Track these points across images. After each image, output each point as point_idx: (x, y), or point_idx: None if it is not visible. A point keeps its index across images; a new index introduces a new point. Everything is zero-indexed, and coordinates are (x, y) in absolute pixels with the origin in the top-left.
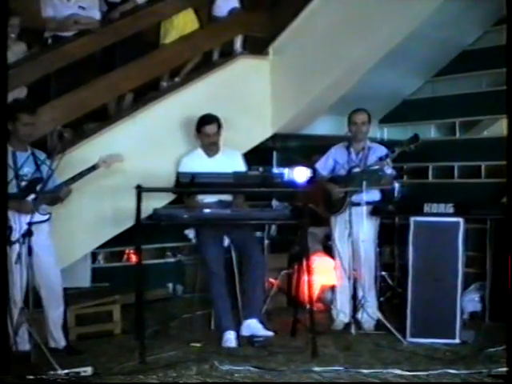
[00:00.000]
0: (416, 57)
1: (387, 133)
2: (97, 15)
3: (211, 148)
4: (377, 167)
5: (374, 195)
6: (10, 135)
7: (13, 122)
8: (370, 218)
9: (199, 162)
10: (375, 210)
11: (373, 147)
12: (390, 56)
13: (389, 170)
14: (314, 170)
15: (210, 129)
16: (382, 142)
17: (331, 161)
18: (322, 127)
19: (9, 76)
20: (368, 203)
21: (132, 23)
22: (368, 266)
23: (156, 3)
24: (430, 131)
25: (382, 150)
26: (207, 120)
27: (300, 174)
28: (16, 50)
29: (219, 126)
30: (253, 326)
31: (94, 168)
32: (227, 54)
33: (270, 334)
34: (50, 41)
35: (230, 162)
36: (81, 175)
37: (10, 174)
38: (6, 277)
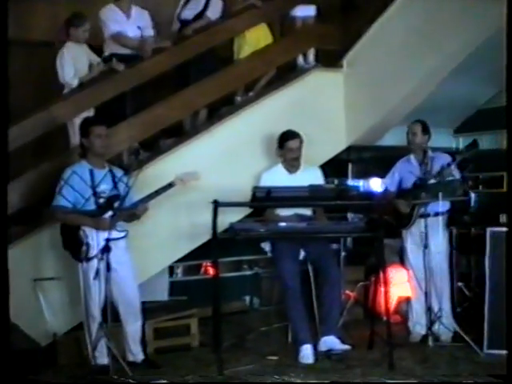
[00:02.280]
0: (490, 65)
1: (462, 142)
2: (151, 33)
3: (293, 164)
4: (452, 178)
5: (444, 206)
6: (87, 152)
7: (87, 137)
8: (443, 228)
9: (280, 178)
10: (450, 220)
11: (436, 156)
12: (464, 65)
13: (456, 175)
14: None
15: (293, 144)
16: (448, 151)
17: (397, 175)
18: (396, 138)
19: (86, 94)
20: (437, 214)
21: (205, 40)
22: (443, 277)
23: (229, 19)
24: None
25: (446, 159)
26: (290, 135)
27: (375, 185)
28: (77, 53)
29: (301, 142)
30: (330, 342)
31: (170, 186)
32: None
33: (347, 347)
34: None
35: (310, 179)
36: (157, 193)
37: (88, 191)
38: (7, 277)
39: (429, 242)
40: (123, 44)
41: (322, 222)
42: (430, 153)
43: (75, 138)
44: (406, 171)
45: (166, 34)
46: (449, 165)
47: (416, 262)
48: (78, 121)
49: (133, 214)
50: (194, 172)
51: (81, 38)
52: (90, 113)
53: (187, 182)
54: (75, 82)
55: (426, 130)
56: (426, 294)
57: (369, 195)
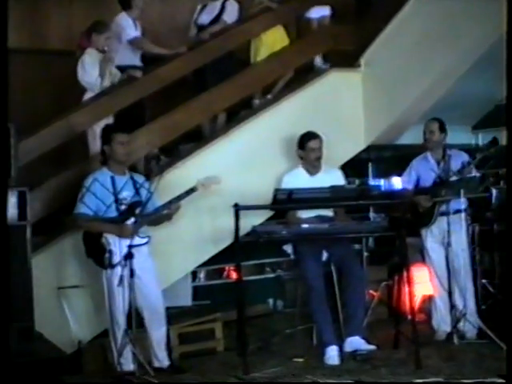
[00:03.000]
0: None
1: (481, 139)
2: None
3: (315, 164)
4: (474, 175)
5: (464, 203)
6: (108, 159)
7: (109, 144)
8: (465, 225)
9: (301, 181)
10: (473, 217)
11: (453, 154)
12: (480, 61)
13: (474, 173)
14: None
15: (315, 143)
16: (464, 149)
17: (414, 174)
18: (415, 136)
19: (104, 102)
20: (457, 211)
21: (222, 43)
22: (466, 275)
23: (245, 22)
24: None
25: (463, 157)
26: (311, 136)
27: (397, 184)
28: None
29: (321, 142)
30: (355, 343)
31: (192, 191)
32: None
33: (372, 347)
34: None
35: (331, 180)
36: (179, 198)
37: (110, 198)
38: (8, 277)
39: (451, 239)
40: (143, 48)
41: (344, 223)
42: (447, 150)
43: (95, 145)
44: (424, 169)
45: (184, 39)
46: (469, 163)
47: (438, 260)
48: (97, 128)
49: (164, 215)
50: (215, 176)
51: (102, 45)
52: (110, 120)
53: (209, 187)
54: (99, 83)
55: (442, 128)
56: (450, 292)
57: (390, 194)
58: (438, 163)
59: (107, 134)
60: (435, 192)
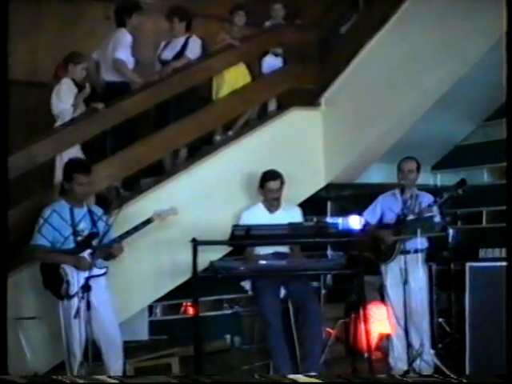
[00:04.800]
0: (467, 101)
1: (440, 179)
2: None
3: (273, 203)
4: (431, 214)
5: (422, 243)
6: (67, 193)
7: (68, 182)
8: (422, 265)
9: (260, 217)
10: (429, 256)
11: (420, 194)
12: (440, 102)
13: (437, 218)
14: (365, 220)
15: (274, 184)
16: (429, 190)
17: (379, 209)
18: (375, 176)
19: (66, 133)
20: (417, 250)
21: (185, 79)
22: (422, 314)
23: (207, 59)
24: (483, 176)
25: (429, 198)
26: (271, 176)
27: (354, 223)
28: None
29: (282, 182)
30: None
31: (148, 222)
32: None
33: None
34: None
35: (290, 217)
36: (135, 229)
37: (68, 230)
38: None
39: (409, 278)
40: (121, 72)
41: (302, 260)
42: (415, 190)
43: (60, 172)
44: (390, 206)
45: (147, 74)
46: (435, 202)
47: (396, 298)
48: (66, 157)
49: (109, 253)
50: (172, 207)
51: (78, 75)
52: (77, 149)
53: (165, 218)
54: (70, 113)
55: (419, 168)
56: (406, 331)
57: (348, 232)
58: (406, 202)
59: (69, 172)
60: (398, 229)
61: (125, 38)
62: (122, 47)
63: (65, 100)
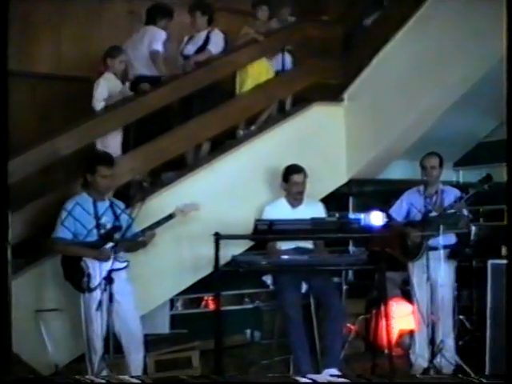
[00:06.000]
0: (490, 98)
1: (462, 176)
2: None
3: (297, 197)
4: (453, 211)
5: (451, 239)
6: (90, 185)
7: (92, 174)
8: (447, 261)
9: (282, 212)
10: (453, 253)
11: (446, 190)
12: (464, 98)
13: (465, 212)
14: (389, 216)
15: (298, 178)
16: (455, 185)
17: (405, 205)
18: (397, 171)
19: (89, 127)
20: (445, 247)
21: (209, 73)
22: (446, 311)
23: (231, 53)
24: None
25: (456, 193)
26: (295, 169)
27: (376, 219)
28: (112, 85)
29: (305, 176)
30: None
31: (170, 217)
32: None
33: (347, 381)
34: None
35: (313, 212)
36: (158, 224)
37: (91, 223)
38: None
39: (435, 274)
40: (157, 64)
41: (324, 255)
42: (440, 186)
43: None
44: (415, 202)
45: (170, 69)
46: (461, 198)
47: (421, 295)
48: (109, 137)
49: (139, 242)
50: (194, 203)
51: (117, 68)
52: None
53: (187, 213)
54: (99, 106)
55: (442, 163)
56: (431, 327)
57: (370, 228)
58: (431, 197)
59: (92, 164)
60: (419, 226)
61: (160, 34)
62: (159, 41)
63: (97, 94)
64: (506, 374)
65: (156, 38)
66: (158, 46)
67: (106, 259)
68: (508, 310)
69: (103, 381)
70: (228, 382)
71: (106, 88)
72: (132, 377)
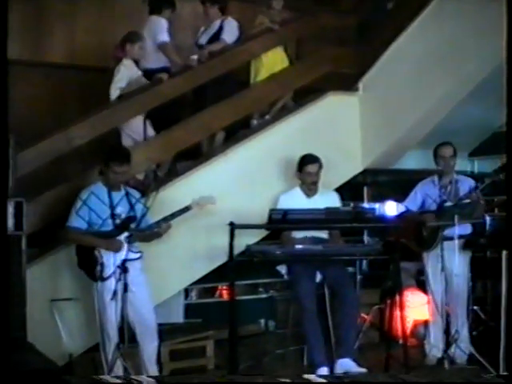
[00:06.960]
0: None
1: (477, 166)
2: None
3: (311, 187)
4: (468, 200)
5: (466, 229)
6: (105, 175)
7: (106, 167)
8: (462, 251)
9: (297, 201)
10: (467, 243)
11: (460, 180)
12: (479, 88)
13: (481, 202)
14: (404, 207)
15: (313, 168)
16: (470, 175)
17: (420, 196)
18: (412, 161)
19: (103, 116)
20: (460, 237)
21: (223, 62)
22: (461, 301)
23: (245, 42)
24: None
25: (470, 182)
26: (310, 159)
27: (391, 209)
28: (132, 72)
29: (320, 166)
30: (346, 365)
31: (186, 209)
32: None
33: (363, 370)
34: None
35: (327, 202)
36: (173, 216)
37: (106, 212)
38: (6, 287)
39: (450, 265)
40: (167, 54)
41: (339, 245)
42: (454, 175)
43: (127, 140)
44: (430, 193)
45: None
46: (476, 188)
47: (436, 285)
48: (134, 121)
49: (154, 233)
50: (211, 196)
51: (136, 54)
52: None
53: (203, 206)
54: (114, 95)
55: (455, 153)
56: (445, 318)
57: (385, 218)
58: (446, 187)
59: (106, 157)
60: (439, 215)
61: (161, 23)
62: (163, 31)
63: (114, 82)
64: (507, 374)
65: (158, 28)
66: (164, 37)
67: (117, 250)
68: (508, 310)
69: (119, 381)
70: (234, 383)
71: (126, 76)
72: (149, 377)
